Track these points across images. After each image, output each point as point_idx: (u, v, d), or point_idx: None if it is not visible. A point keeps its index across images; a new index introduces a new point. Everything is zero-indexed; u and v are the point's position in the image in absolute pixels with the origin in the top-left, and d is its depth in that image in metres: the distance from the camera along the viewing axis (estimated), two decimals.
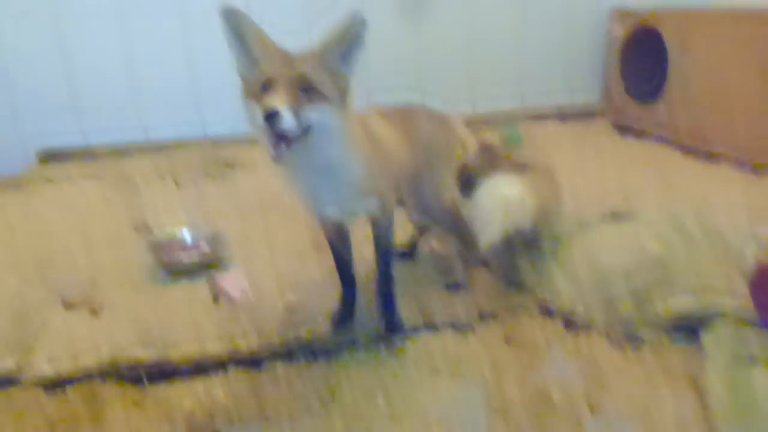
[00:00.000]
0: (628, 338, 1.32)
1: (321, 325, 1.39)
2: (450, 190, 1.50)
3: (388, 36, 2.83)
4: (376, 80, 2.85)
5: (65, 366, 1.26)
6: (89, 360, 1.27)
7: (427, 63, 2.93)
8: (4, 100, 2.56)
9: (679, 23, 2.48)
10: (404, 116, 1.46)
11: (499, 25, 2.96)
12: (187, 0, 2.61)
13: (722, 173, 2.27)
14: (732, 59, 2.24)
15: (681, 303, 1.32)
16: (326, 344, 1.34)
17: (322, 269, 1.64)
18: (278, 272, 1.63)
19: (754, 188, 2.08)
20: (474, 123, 2.88)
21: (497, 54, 3.00)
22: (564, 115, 3.07)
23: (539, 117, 3.04)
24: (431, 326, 1.40)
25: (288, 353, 1.32)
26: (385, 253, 1.38)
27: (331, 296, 1.47)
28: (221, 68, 2.69)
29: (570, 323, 1.40)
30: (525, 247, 1.55)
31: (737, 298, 1.32)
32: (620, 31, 2.84)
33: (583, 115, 3.12)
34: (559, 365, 1.29)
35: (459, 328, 1.39)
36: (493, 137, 2.78)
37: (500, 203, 1.43)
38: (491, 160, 1.59)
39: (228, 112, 2.68)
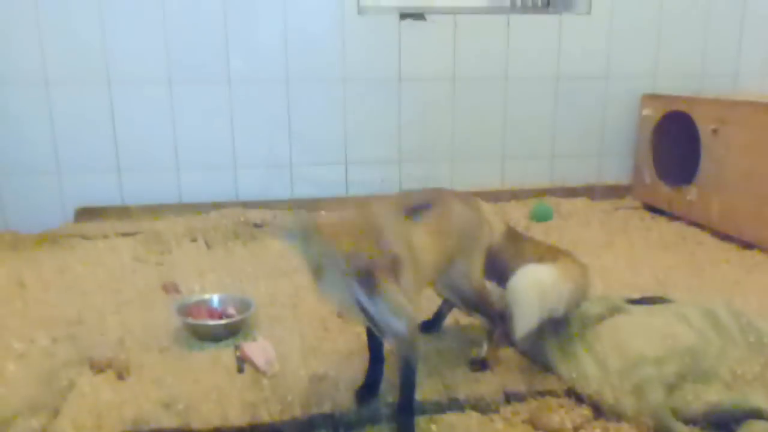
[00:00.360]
0: (658, 429, 1.28)
1: (344, 398, 1.37)
2: (478, 274, 1.50)
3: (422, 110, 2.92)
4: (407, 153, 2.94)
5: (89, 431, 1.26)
6: (113, 425, 1.27)
7: (461, 137, 2.99)
8: (49, 155, 2.67)
9: (711, 109, 2.50)
10: (435, 204, 1.45)
11: (535, 104, 3.03)
12: (232, 71, 2.73)
13: (755, 260, 2.24)
14: (764, 147, 2.25)
15: (713, 394, 1.28)
16: (349, 418, 1.33)
17: (347, 338, 1.64)
18: (303, 340, 1.63)
19: None
20: (503, 196, 2.96)
21: (531, 132, 3.05)
22: (594, 193, 3.09)
23: (569, 194, 3.06)
24: (455, 405, 1.37)
25: (310, 425, 1.31)
26: (407, 369, 1.26)
27: (355, 368, 1.46)
28: (256, 135, 2.84)
29: (599, 410, 1.36)
30: (554, 329, 1.53)
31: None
32: (652, 115, 2.87)
33: (613, 194, 3.13)
34: None
35: (483, 409, 1.37)
36: (522, 212, 2.83)
37: (537, 290, 1.43)
38: (516, 243, 1.60)
39: (260, 176, 2.83)
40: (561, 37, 2.96)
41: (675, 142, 2.80)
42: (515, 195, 2.99)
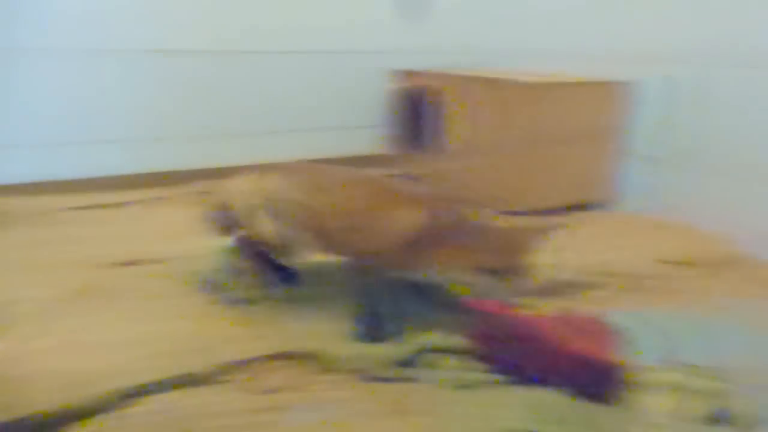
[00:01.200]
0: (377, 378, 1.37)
1: None
2: None
3: None
4: None
5: None
6: None
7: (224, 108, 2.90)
8: None
9: (447, 84, 2.73)
10: None
11: (287, 79, 3.04)
12: None
13: None
14: (485, 117, 2.51)
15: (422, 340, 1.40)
16: None
17: None
18: None
19: None
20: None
21: (286, 105, 3.07)
22: (352, 165, 3.21)
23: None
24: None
25: None
26: None
27: None
28: None
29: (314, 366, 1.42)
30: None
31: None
32: (399, 89, 3.06)
33: (368, 166, 3.28)
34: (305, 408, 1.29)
35: (196, 382, 1.34)
36: None
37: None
38: None
39: None
40: (305, 11, 3.00)
41: (422, 114, 3.01)
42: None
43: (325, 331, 1.50)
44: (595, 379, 1.28)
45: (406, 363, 1.38)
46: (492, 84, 2.43)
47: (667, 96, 2.43)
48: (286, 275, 1.67)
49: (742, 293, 1.88)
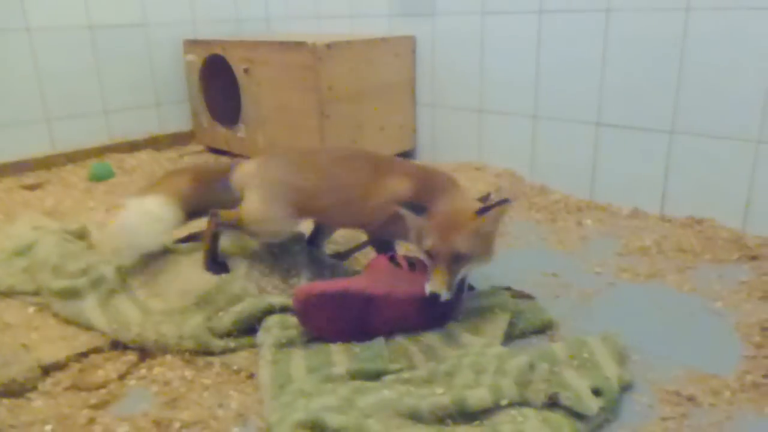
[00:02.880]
0: (198, 349, 1.38)
1: None
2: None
3: None
4: None
5: None
6: None
7: None
8: None
9: (241, 51, 2.70)
10: None
11: (71, 57, 2.80)
12: None
13: None
14: (286, 82, 2.53)
15: (239, 308, 1.43)
16: None
17: None
18: None
19: None
20: (57, 161, 2.73)
21: (75, 89, 2.83)
22: (158, 144, 3.08)
23: (132, 148, 2.99)
24: None
25: None
26: None
27: None
28: None
29: (144, 352, 1.40)
30: (91, 287, 1.50)
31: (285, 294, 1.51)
32: (195, 60, 2.96)
33: (178, 141, 3.18)
34: (133, 397, 1.28)
35: (17, 392, 1.27)
36: (82, 174, 2.65)
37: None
38: None
39: None
40: None
41: (222, 84, 2.95)
42: (71, 158, 2.79)
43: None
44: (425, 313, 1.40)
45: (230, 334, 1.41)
46: (288, 48, 2.45)
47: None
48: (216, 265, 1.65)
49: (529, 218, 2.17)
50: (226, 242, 1.67)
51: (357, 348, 1.32)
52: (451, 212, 1.37)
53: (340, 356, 1.29)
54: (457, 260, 1.35)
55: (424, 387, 1.18)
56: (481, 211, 1.34)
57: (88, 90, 2.87)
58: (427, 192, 1.45)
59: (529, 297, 1.57)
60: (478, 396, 1.12)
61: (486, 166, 2.56)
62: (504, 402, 1.12)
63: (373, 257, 1.57)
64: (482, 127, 2.56)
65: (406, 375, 1.21)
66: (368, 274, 1.46)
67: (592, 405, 1.11)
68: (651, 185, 2.10)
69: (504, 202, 1.35)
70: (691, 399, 1.20)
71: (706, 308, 1.54)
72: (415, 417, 1.09)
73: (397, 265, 1.47)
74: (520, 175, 2.46)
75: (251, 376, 1.31)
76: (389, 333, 1.38)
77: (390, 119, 2.70)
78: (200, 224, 1.69)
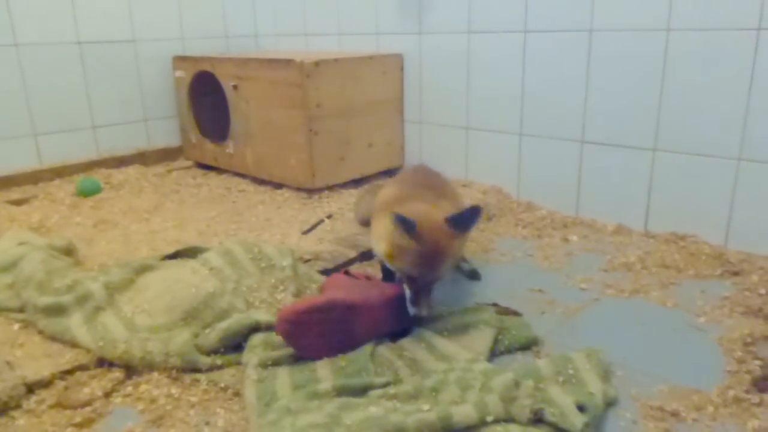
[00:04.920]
0: (184, 366, 1.38)
1: None
2: None
3: None
4: None
5: None
6: None
7: None
8: None
9: (230, 67, 2.71)
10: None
11: (60, 72, 2.80)
12: None
13: (284, 197, 2.56)
14: (273, 98, 2.55)
15: (225, 325, 1.43)
16: None
17: None
18: None
19: (305, 207, 2.41)
20: (43, 177, 2.72)
21: (63, 103, 2.83)
22: (146, 159, 3.08)
23: (120, 163, 2.99)
24: None
25: None
26: None
27: None
28: None
29: (130, 369, 1.39)
30: (77, 304, 1.50)
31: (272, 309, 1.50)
32: (184, 76, 2.97)
33: (167, 157, 3.18)
34: (119, 415, 1.27)
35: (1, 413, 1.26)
36: (69, 189, 2.65)
37: None
38: None
39: None
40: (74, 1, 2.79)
41: (211, 100, 2.97)
42: (58, 173, 2.78)
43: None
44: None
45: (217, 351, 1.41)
46: (277, 65, 2.47)
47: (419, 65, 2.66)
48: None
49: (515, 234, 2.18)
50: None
51: (342, 362, 1.32)
52: (439, 240, 1.38)
53: (325, 371, 1.29)
54: (436, 281, 1.42)
55: (410, 403, 1.18)
56: (452, 221, 1.38)
57: (76, 105, 2.87)
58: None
59: (515, 313, 1.59)
60: (463, 413, 1.12)
61: (473, 182, 2.59)
62: (489, 419, 1.13)
63: (331, 275, 1.61)
64: (469, 144, 2.59)
65: (392, 390, 1.22)
66: (336, 288, 1.47)
67: (577, 421, 1.12)
68: (635, 202, 2.13)
69: (476, 210, 1.39)
70: (674, 414, 1.21)
71: (690, 324, 1.56)
72: None
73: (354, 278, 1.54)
74: (506, 191, 2.49)
75: (238, 393, 1.31)
76: (369, 340, 1.39)
77: (378, 136, 2.72)
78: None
